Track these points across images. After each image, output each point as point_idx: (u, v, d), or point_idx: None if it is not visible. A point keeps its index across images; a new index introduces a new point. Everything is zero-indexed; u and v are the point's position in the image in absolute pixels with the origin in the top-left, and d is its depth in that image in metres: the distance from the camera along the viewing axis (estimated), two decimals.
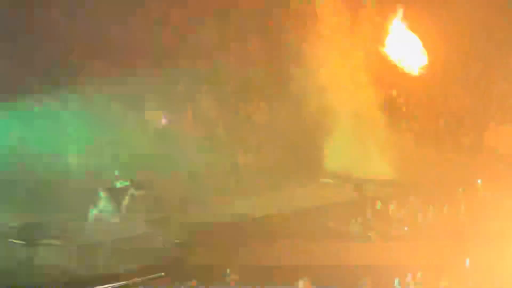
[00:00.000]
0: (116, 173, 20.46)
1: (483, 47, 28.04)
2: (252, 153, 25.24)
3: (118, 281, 17.60)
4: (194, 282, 17.51)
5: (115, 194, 19.91)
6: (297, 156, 24.32)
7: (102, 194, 19.96)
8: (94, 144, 22.38)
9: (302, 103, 25.82)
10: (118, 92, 25.37)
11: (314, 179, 24.13)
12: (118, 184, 20.11)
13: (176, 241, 18.95)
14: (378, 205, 20.98)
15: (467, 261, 17.70)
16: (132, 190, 20.14)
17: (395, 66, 27.74)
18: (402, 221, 20.46)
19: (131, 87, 24.58)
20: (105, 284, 17.66)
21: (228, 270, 17.92)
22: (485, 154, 24.86)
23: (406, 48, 28.11)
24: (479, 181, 21.78)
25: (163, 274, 18.04)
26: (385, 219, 20.53)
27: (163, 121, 25.74)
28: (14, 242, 18.97)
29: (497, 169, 23.62)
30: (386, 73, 27.88)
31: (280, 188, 23.56)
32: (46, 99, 23.29)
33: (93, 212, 19.68)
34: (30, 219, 19.49)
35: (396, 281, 17.64)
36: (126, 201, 20.09)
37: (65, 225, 19.41)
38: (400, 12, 26.68)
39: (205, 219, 20.14)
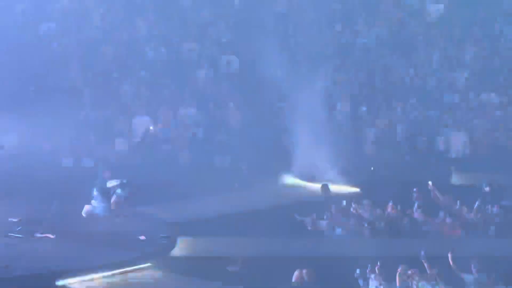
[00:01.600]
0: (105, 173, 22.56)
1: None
2: (222, 152, 27.36)
3: (110, 270, 19.55)
4: None
5: (107, 193, 21.98)
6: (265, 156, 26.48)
7: (95, 192, 22.07)
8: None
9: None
10: None
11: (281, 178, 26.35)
12: (108, 184, 22.15)
13: (162, 235, 21.01)
14: (343, 203, 23.31)
15: (422, 252, 20.08)
16: (119, 189, 22.21)
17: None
18: (363, 218, 22.77)
19: None
20: (97, 274, 19.55)
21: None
22: (437, 158, 27.52)
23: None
24: (430, 182, 24.24)
25: (150, 264, 20.11)
26: (348, 216, 22.83)
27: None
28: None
29: (448, 171, 26.36)
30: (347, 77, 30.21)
31: (250, 186, 25.76)
32: None
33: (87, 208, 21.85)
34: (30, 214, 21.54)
35: (358, 271, 19.96)
36: (115, 198, 22.22)
37: (61, 220, 21.44)
38: None
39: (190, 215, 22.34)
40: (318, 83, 27.65)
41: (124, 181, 21.96)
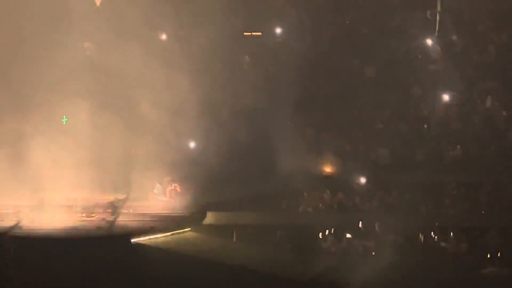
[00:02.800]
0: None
1: None
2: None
3: (156, 234, 30.96)
4: None
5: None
6: None
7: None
8: None
9: None
10: None
11: None
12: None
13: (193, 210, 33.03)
14: None
15: (360, 223, 31.87)
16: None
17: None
18: None
19: None
20: (148, 236, 30.92)
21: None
22: None
23: None
24: None
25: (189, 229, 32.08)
26: None
27: None
28: None
29: None
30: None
31: None
32: None
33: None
34: None
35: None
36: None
37: None
38: None
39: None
40: None
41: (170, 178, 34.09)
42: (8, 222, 31.46)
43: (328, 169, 34.05)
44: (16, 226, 31.16)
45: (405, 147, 34.84)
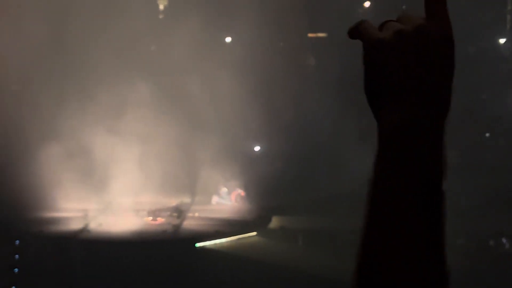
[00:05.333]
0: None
1: None
2: None
3: (221, 238, 31.40)
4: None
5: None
6: None
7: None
8: None
9: None
10: None
11: None
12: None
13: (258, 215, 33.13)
14: None
15: None
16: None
17: None
18: None
19: None
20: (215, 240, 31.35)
21: None
22: None
23: None
24: None
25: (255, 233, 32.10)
26: None
27: None
28: None
29: None
30: None
31: None
32: None
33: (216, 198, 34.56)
34: None
35: None
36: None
37: None
38: None
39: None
40: None
41: (234, 182, 34.27)
42: (76, 226, 31.94)
43: None
44: (84, 229, 31.62)
45: (475, 149, 34.08)
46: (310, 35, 37.88)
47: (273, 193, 33.52)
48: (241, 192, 34.60)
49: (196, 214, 33.58)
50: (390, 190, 1.63)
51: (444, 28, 1.64)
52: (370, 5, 37.88)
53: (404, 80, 1.64)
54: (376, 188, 1.65)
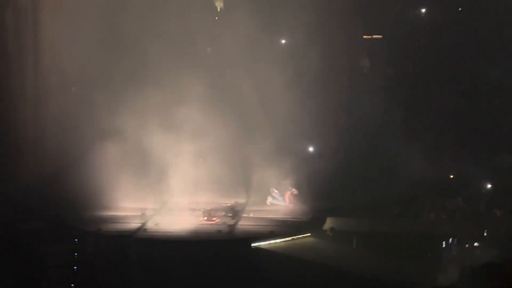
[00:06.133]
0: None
1: None
2: None
3: (276, 239, 31.44)
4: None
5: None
6: None
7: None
8: None
9: None
10: None
11: None
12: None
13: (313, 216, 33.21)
14: None
15: (485, 231, 31.01)
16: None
17: None
18: None
19: None
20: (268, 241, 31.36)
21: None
22: None
23: None
24: None
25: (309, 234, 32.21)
26: None
27: None
28: None
29: None
30: None
31: None
32: None
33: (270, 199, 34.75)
34: None
35: None
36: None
37: None
38: None
39: None
40: None
41: (288, 182, 34.34)
42: (134, 225, 32.42)
43: (448, 174, 33.38)
44: (141, 228, 32.10)
45: None
46: (365, 36, 37.81)
47: (327, 194, 33.56)
48: (294, 192, 34.74)
49: (251, 215, 33.82)
50: None
51: None
52: (426, 11, 37.31)
53: None
54: None
